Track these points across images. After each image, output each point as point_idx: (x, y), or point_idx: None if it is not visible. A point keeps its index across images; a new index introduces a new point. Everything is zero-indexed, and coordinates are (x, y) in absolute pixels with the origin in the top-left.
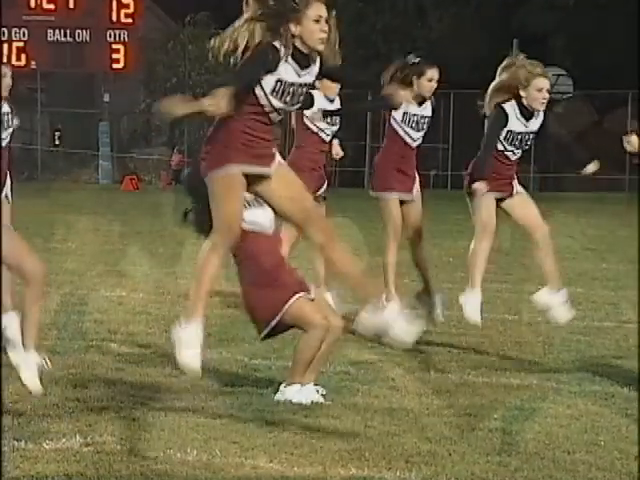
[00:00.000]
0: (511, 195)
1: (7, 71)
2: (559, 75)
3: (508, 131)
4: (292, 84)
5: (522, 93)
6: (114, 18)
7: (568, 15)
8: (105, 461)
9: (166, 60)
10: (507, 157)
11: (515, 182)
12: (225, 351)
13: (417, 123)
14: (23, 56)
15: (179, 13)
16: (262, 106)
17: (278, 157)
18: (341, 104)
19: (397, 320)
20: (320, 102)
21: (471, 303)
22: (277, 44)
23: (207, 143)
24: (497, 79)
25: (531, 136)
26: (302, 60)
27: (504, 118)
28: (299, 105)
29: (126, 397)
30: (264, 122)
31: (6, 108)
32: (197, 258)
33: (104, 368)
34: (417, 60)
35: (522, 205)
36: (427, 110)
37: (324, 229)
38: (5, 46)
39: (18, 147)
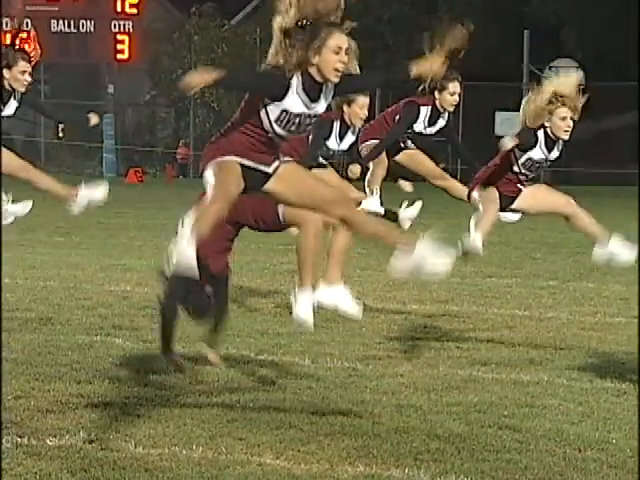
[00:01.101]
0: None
1: (26, 67)
2: (571, 67)
3: (528, 159)
4: (298, 115)
5: (546, 124)
6: (118, 8)
7: (580, 6)
8: (109, 458)
9: (171, 51)
10: (516, 176)
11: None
12: (231, 347)
13: (418, 139)
14: (27, 47)
15: (184, 3)
16: (265, 130)
17: (280, 160)
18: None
19: (428, 256)
20: (330, 142)
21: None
22: (290, 74)
23: (206, 148)
24: (530, 107)
25: (548, 163)
26: (313, 92)
27: (534, 142)
28: (306, 132)
29: (130, 393)
30: (266, 142)
31: (11, 110)
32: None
33: (108, 364)
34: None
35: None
36: (433, 129)
37: (338, 203)
38: (8, 37)
39: (21, 139)
